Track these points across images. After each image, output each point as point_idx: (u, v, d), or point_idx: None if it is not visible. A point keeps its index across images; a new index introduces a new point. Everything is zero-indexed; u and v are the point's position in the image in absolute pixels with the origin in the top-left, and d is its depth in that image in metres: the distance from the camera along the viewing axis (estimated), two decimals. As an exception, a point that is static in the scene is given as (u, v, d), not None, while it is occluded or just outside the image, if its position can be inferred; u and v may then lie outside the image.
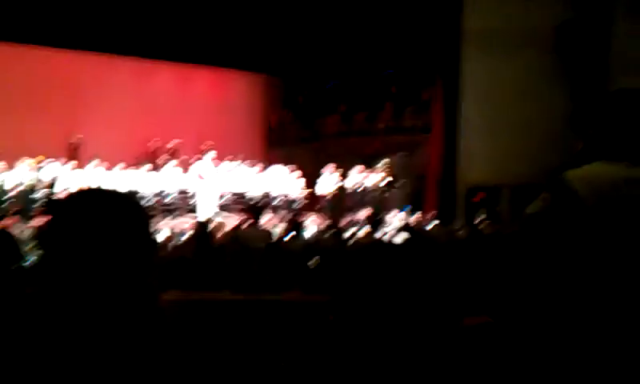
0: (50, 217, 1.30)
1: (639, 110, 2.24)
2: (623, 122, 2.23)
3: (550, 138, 12.77)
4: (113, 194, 1.32)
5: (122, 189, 1.27)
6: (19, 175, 13.79)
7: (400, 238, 8.74)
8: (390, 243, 8.89)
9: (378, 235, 9.23)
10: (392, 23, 16.20)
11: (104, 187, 1.41)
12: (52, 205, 10.05)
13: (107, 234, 1.23)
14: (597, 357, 2.09)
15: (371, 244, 7.37)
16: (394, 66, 18.53)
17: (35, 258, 7.56)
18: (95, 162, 15.81)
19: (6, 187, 13.73)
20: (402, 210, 14.86)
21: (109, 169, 15.74)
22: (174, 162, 17.77)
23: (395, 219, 13.61)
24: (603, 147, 2.25)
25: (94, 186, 1.46)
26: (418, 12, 15.51)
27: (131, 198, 1.34)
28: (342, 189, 16.13)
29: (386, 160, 16.44)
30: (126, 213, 1.28)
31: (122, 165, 16.06)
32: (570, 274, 2.16)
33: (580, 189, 2.15)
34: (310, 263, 7.83)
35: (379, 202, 15.58)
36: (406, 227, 9.12)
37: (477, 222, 11.25)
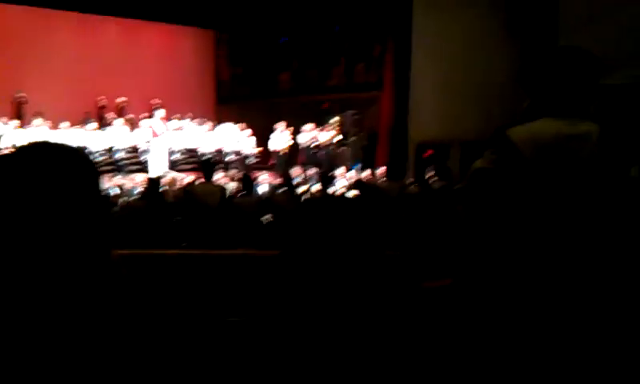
0: None
1: (580, 68, 2.30)
2: (565, 79, 2.30)
3: (499, 95, 12.95)
4: (61, 147, 1.29)
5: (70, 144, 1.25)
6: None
7: (351, 194, 8.83)
8: (341, 197, 8.97)
9: (329, 191, 9.30)
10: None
11: (51, 141, 1.37)
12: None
13: (56, 187, 1.21)
14: (535, 305, 2.18)
15: (323, 198, 7.43)
16: (345, 21, 18.44)
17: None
18: (39, 119, 15.36)
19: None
20: (353, 167, 14.97)
21: (54, 127, 15.33)
22: (122, 119, 17.43)
23: (347, 175, 13.72)
24: (548, 103, 2.32)
25: (39, 140, 1.40)
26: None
27: (79, 151, 1.31)
28: (293, 146, 16.13)
29: (338, 117, 16.46)
30: (74, 166, 1.25)
31: (67, 123, 15.65)
32: (511, 225, 2.24)
33: (521, 145, 2.23)
34: (262, 219, 7.85)
35: (331, 159, 15.64)
36: (357, 183, 9.20)
37: (427, 177, 11.42)
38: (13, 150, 1.32)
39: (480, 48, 14.03)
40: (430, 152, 14.10)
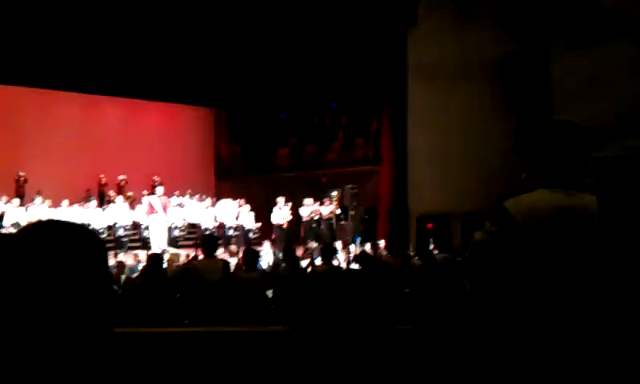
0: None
1: (573, 141, 2.38)
2: (559, 152, 2.36)
3: (495, 167, 13.09)
4: (66, 225, 1.29)
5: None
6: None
7: (355, 267, 8.79)
8: (347, 270, 8.94)
9: (334, 264, 9.26)
10: (339, 57, 16.44)
11: (57, 219, 1.37)
12: (1, 239, 9.77)
13: (62, 265, 1.21)
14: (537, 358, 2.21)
15: (329, 271, 7.40)
16: (342, 98, 18.79)
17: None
18: (39, 198, 15.42)
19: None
20: (354, 240, 14.94)
21: (55, 205, 15.37)
22: (123, 196, 17.51)
23: (348, 249, 13.68)
24: (544, 175, 2.39)
25: (45, 219, 1.40)
26: (365, 46, 15.79)
27: (86, 229, 1.31)
28: (294, 220, 16.16)
29: (337, 191, 16.55)
30: (79, 243, 1.25)
31: (67, 201, 15.70)
32: (511, 293, 2.28)
33: (519, 216, 2.28)
34: (266, 294, 7.80)
35: (331, 233, 15.65)
36: (361, 255, 9.19)
37: (428, 249, 11.41)
38: (19, 229, 1.32)
39: (474, 121, 14.24)
40: (430, 225, 14.13)
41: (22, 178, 17.87)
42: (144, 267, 8.11)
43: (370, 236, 15.07)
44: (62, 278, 1.20)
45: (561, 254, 2.23)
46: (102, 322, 1.25)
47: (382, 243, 13.78)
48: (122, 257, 11.09)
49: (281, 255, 10.59)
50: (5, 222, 14.22)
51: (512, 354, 2.26)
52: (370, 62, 16.22)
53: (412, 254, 11.29)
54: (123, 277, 8.87)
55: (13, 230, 12.54)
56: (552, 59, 13.75)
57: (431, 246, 12.29)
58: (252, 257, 7.78)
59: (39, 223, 1.29)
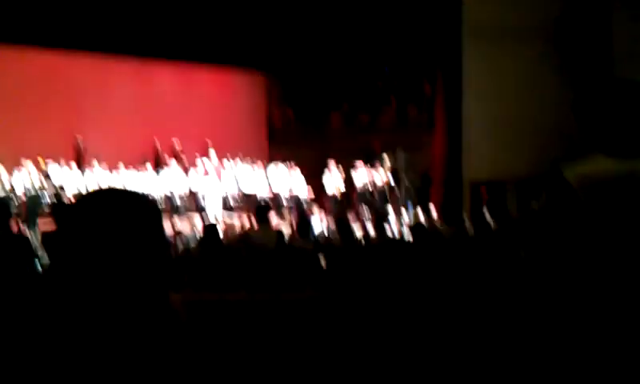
0: (59, 220, 1.28)
1: (636, 103, 2.25)
2: (620, 115, 2.23)
3: (552, 131, 12.78)
4: (125, 193, 1.31)
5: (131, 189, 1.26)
6: (25, 179, 13.74)
7: (408, 235, 8.74)
8: (399, 240, 8.92)
9: (386, 232, 9.23)
10: (392, 18, 16.18)
11: (115, 187, 1.39)
12: (62, 208, 10.00)
13: (121, 233, 1.22)
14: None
15: (383, 244, 7.39)
16: (395, 61, 18.51)
17: (46, 261, 7.58)
18: (98, 163, 15.79)
19: (15, 190, 13.68)
20: (406, 208, 14.87)
21: (112, 170, 15.71)
22: (177, 160, 17.78)
23: (401, 216, 13.65)
24: (602, 140, 2.27)
25: (104, 187, 1.41)
26: (418, 7, 15.48)
27: (143, 197, 1.32)
28: (347, 187, 16.13)
29: (390, 157, 16.44)
30: (139, 212, 1.27)
31: (124, 166, 16.03)
32: (570, 263, 2.21)
33: (578, 185, 2.18)
34: (320, 263, 7.85)
35: (384, 200, 15.58)
36: (415, 228, 9.11)
37: (483, 217, 11.24)
38: (79, 197, 1.34)
39: (532, 84, 13.88)
40: (484, 191, 13.90)
41: (79, 143, 18.31)
42: (201, 237, 8.26)
43: (422, 202, 14.95)
44: (120, 244, 1.22)
45: (620, 224, 2.15)
46: (160, 289, 1.26)
47: (433, 210, 13.68)
48: (178, 224, 11.30)
49: (333, 223, 10.63)
50: (66, 191, 14.60)
51: (572, 325, 2.20)
52: (424, 24, 15.91)
53: (466, 221, 11.15)
54: (181, 246, 9.05)
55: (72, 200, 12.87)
56: (613, 17, 13.23)
57: (486, 214, 12.11)
58: (305, 226, 7.82)
59: (97, 191, 1.33)
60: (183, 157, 19.09)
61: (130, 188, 1.33)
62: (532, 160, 13.05)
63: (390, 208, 14.13)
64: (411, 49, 17.29)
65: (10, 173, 13.89)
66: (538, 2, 13.81)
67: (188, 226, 12.01)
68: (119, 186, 1.45)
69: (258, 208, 8.23)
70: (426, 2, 15.34)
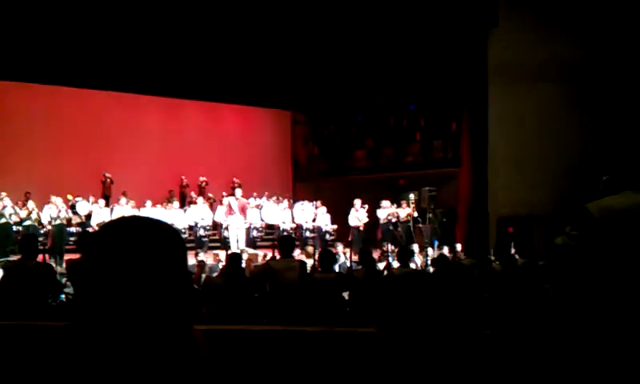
0: (83, 248, 1.26)
1: None
2: None
3: (576, 169, 12.71)
4: (148, 221, 1.28)
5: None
6: (53, 212, 13.98)
7: (434, 270, 8.65)
8: (423, 273, 8.82)
9: (409, 266, 9.14)
10: (417, 58, 16.29)
11: (138, 216, 1.37)
12: (86, 236, 10.11)
13: (144, 260, 1.20)
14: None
15: (406, 274, 7.31)
16: (420, 100, 18.59)
17: (70, 290, 7.64)
18: (124, 198, 15.98)
19: (42, 222, 13.92)
20: (431, 244, 14.75)
21: (138, 206, 15.88)
22: (203, 197, 17.93)
23: (425, 252, 13.51)
24: (628, 177, 2.27)
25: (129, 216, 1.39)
26: (444, 47, 15.58)
27: (166, 225, 1.30)
28: (370, 222, 16.07)
29: (415, 193, 16.38)
30: (161, 239, 1.25)
31: (150, 202, 16.21)
32: (594, 297, 2.18)
33: (602, 219, 2.17)
34: (342, 295, 7.78)
35: (408, 236, 15.49)
36: (437, 259, 9.02)
37: (509, 253, 11.09)
38: (103, 224, 1.33)
39: (556, 121, 13.89)
40: (511, 229, 13.77)
41: (108, 180, 18.63)
42: (223, 266, 8.26)
43: (448, 239, 14.83)
44: (143, 272, 1.20)
45: None
46: (182, 319, 1.24)
47: (459, 247, 13.55)
48: (202, 256, 11.34)
49: (356, 257, 10.57)
50: (92, 222, 14.83)
51: (597, 357, 2.16)
52: (450, 63, 16.00)
53: (492, 258, 11.02)
54: (204, 276, 9.05)
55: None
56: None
57: (512, 250, 11.96)
58: (328, 258, 7.76)
59: (122, 219, 1.29)
60: (210, 194, 19.28)
61: (152, 218, 1.32)
62: (556, 196, 12.96)
63: (414, 245, 14.01)
64: (437, 87, 17.36)
65: (40, 208, 14.14)
66: (561, 41, 13.88)
67: (212, 258, 12.03)
68: (142, 216, 1.43)
69: (282, 239, 8.20)
70: (451, 41, 15.43)
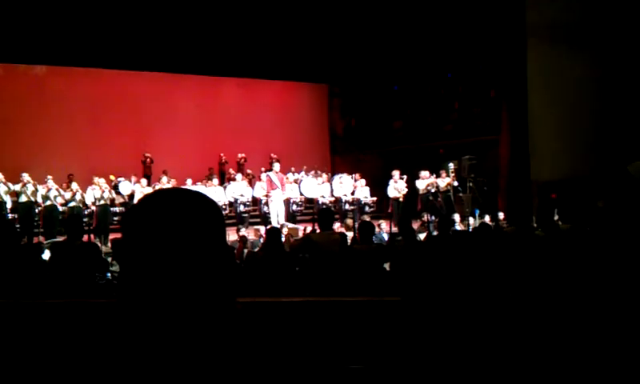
0: (124, 222, 1.25)
1: None
2: None
3: (618, 129, 12.44)
4: (186, 192, 1.27)
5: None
6: (96, 193, 14.26)
7: (476, 239, 8.56)
8: (462, 233, 8.73)
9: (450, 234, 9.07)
10: (455, 24, 16.00)
11: (176, 187, 1.36)
12: (126, 213, 10.34)
13: (184, 231, 1.19)
14: None
15: (445, 238, 7.25)
16: (457, 67, 18.29)
17: (117, 269, 7.81)
18: (165, 177, 16.19)
19: (86, 203, 14.21)
20: (472, 213, 14.61)
21: (179, 184, 16.08)
22: (242, 174, 18.07)
23: (466, 222, 13.41)
24: None
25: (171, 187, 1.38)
26: (482, 10, 15.27)
27: (204, 196, 1.27)
28: (410, 193, 15.95)
29: (454, 162, 16.19)
30: (201, 209, 1.23)
31: (190, 180, 16.40)
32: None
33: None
34: (384, 266, 7.77)
35: (449, 206, 15.34)
36: (479, 228, 8.94)
37: (552, 220, 10.91)
38: (141, 197, 1.32)
39: (598, 81, 13.54)
40: (554, 195, 13.53)
41: (148, 159, 18.89)
42: (264, 241, 8.33)
43: (489, 208, 14.66)
44: (183, 243, 1.19)
45: None
46: (226, 292, 1.24)
47: (502, 216, 13.39)
48: (243, 232, 11.45)
49: (395, 228, 10.55)
50: (135, 201, 15.05)
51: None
52: (487, 28, 15.67)
53: (534, 225, 10.86)
54: (245, 251, 9.14)
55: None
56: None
57: (555, 217, 11.75)
58: (368, 230, 7.75)
59: (159, 191, 1.28)
60: (248, 170, 19.41)
61: (190, 189, 1.31)
62: (597, 158, 12.71)
63: (455, 215, 13.87)
64: (474, 54, 17.04)
65: (83, 189, 14.43)
66: (601, 1, 13.50)
67: (253, 234, 12.14)
68: (178, 187, 1.41)
69: (321, 212, 8.23)
70: (488, 4, 15.11)
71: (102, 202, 14.17)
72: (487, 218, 13.65)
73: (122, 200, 15.24)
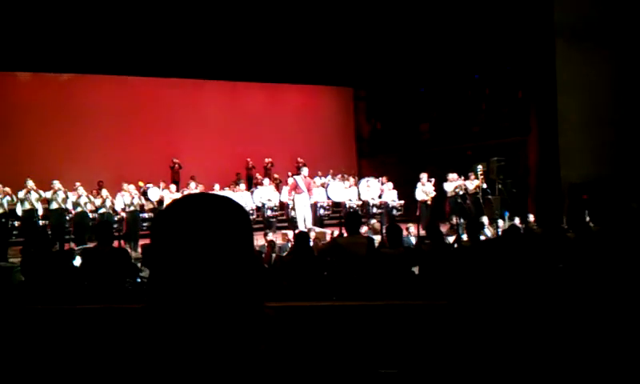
0: (153, 227, 1.25)
1: None
2: None
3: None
4: (214, 197, 1.27)
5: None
6: (126, 199, 14.40)
7: (506, 241, 8.46)
8: (491, 240, 8.66)
9: (479, 238, 8.98)
10: (482, 24, 15.87)
11: (205, 192, 1.36)
12: (155, 217, 10.40)
13: (212, 235, 1.20)
14: None
15: (476, 245, 7.18)
16: (484, 68, 18.13)
17: (146, 274, 7.87)
18: (193, 183, 16.29)
19: (116, 210, 14.35)
20: (502, 216, 14.45)
21: (207, 189, 16.16)
22: (269, 178, 18.11)
23: (495, 224, 13.27)
24: None
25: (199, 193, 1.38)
26: (508, 10, 15.13)
27: (232, 201, 1.28)
28: (438, 196, 15.82)
29: (482, 164, 16.02)
30: (229, 214, 1.24)
31: (218, 185, 16.48)
32: None
33: None
34: (412, 270, 7.72)
35: (478, 208, 15.19)
36: (509, 230, 8.81)
37: (584, 221, 10.75)
38: (170, 201, 1.32)
39: (625, 83, 13.33)
40: (585, 196, 13.33)
41: (176, 165, 19.05)
42: (292, 245, 8.33)
43: (519, 210, 14.47)
44: (211, 248, 1.19)
45: None
46: (254, 296, 1.24)
47: (532, 218, 13.20)
48: (271, 236, 11.47)
49: (424, 232, 10.46)
50: (163, 207, 15.18)
51: None
52: (514, 27, 15.52)
53: (565, 227, 10.71)
54: (274, 255, 9.15)
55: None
56: None
57: (587, 218, 11.58)
58: (395, 233, 7.70)
59: (187, 196, 1.28)
60: (275, 175, 19.46)
61: (218, 194, 1.31)
62: (627, 159, 12.50)
63: (484, 217, 13.73)
64: (501, 53, 16.88)
65: (113, 196, 14.59)
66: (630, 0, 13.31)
67: (281, 238, 12.15)
68: (206, 192, 1.41)
69: (348, 216, 8.19)
70: (515, 6, 14.97)
71: (132, 208, 14.31)
72: (517, 220, 13.48)
73: (151, 206, 15.36)
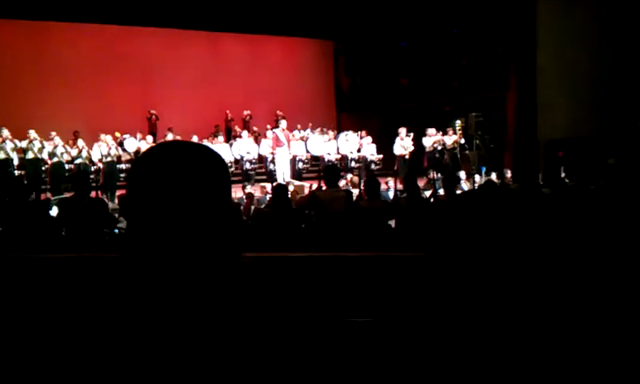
0: (129, 175, 1.22)
1: None
2: None
3: (627, 86, 12.30)
4: (190, 144, 1.24)
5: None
6: (103, 150, 14.27)
7: (482, 195, 8.55)
8: (467, 193, 8.73)
9: (455, 192, 9.06)
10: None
11: (180, 140, 1.33)
12: (132, 167, 10.34)
13: (189, 182, 1.17)
14: None
15: (452, 199, 7.26)
16: (465, 22, 18.02)
17: (124, 225, 7.85)
18: (170, 134, 16.16)
19: (93, 160, 14.23)
20: (478, 171, 14.56)
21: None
22: (248, 131, 18.02)
23: (472, 179, 13.38)
24: None
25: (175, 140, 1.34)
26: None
27: (208, 149, 1.25)
28: (416, 150, 15.89)
29: (461, 120, 16.07)
30: (205, 161, 1.21)
31: (196, 137, 16.36)
32: None
33: None
34: (389, 223, 7.79)
35: (455, 163, 15.29)
36: (485, 185, 8.89)
37: (559, 178, 10.87)
38: (146, 149, 1.30)
39: (606, 40, 13.34)
40: (561, 153, 13.46)
41: (153, 116, 18.84)
42: (271, 198, 8.34)
43: (496, 166, 14.59)
44: (188, 196, 1.17)
45: None
46: (231, 245, 1.23)
47: (509, 173, 13.32)
48: (249, 189, 11.45)
49: (401, 186, 10.53)
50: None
51: None
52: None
53: (541, 183, 10.81)
54: (252, 207, 9.16)
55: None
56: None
57: (562, 174, 11.71)
58: (373, 186, 7.74)
59: (161, 144, 1.25)
60: (254, 128, 19.35)
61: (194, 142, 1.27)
62: (604, 117, 12.59)
63: (461, 172, 13.83)
64: (481, 8, 16.78)
65: (90, 146, 14.44)
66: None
67: (259, 191, 12.15)
68: (181, 140, 1.38)
69: (326, 170, 8.21)
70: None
71: (109, 158, 14.19)
72: (494, 176, 13.60)
73: (128, 157, 15.24)
